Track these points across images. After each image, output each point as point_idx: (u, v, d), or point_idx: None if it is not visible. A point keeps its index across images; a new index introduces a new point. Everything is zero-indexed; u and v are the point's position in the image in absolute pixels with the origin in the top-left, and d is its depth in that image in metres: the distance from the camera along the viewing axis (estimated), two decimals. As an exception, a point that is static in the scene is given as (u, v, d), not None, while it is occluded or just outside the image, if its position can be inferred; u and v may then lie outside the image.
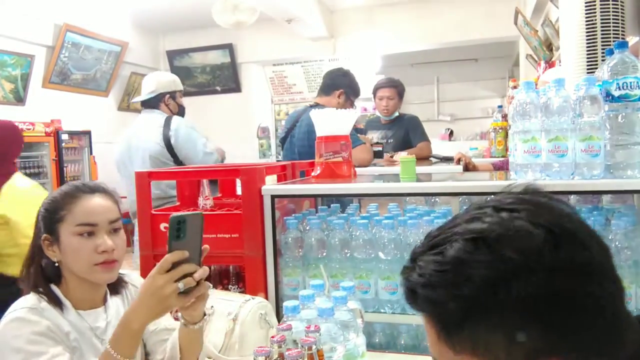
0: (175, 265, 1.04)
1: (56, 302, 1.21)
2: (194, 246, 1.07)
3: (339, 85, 3.09)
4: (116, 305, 1.33)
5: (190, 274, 1.05)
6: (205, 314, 1.17)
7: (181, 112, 3.10)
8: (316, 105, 2.99)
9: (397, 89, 3.87)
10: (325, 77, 3.19)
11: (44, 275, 1.24)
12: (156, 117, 2.96)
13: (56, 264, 1.24)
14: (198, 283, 1.07)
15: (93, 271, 1.21)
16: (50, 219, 1.23)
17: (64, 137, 5.54)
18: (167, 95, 3.03)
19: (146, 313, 1.06)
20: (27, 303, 1.19)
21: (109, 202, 1.27)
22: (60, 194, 1.25)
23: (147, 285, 1.05)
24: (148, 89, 3.03)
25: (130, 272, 1.45)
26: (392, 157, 3.56)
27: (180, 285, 1.04)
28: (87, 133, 5.91)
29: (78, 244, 1.20)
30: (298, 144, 3.02)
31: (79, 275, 1.23)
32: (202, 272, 1.08)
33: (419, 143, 3.75)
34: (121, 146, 3.08)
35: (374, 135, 3.94)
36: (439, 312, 0.64)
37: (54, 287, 1.24)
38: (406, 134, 3.81)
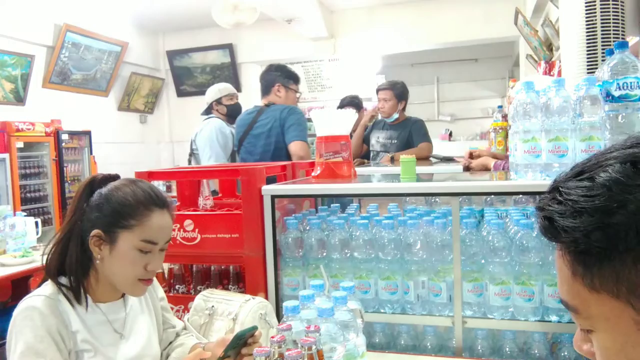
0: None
1: (76, 295, 1.18)
2: (238, 350, 1.20)
3: (273, 81, 3.16)
4: (133, 299, 1.32)
5: None
6: None
7: (230, 112, 3.73)
8: (270, 105, 3.09)
9: (393, 90, 3.89)
10: (260, 80, 3.27)
11: (71, 266, 1.20)
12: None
13: (86, 254, 1.19)
14: None
15: (134, 285, 1.20)
16: (115, 222, 1.17)
17: (64, 137, 5.54)
18: (214, 102, 3.77)
19: None
20: (46, 291, 1.17)
21: (171, 220, 1.25)
22: (135, 200, 1.18)
23: None
24: (205, 101, 3.82)
25: None
26: (392, 158, 3.57)
27: None
28: (87, 133, 5.91)
29: (134, 257, 1.18)
30: (262, 143, 3.00)
31: (113, 282, 1.21)
32: None
33: (420, 143, 3.77)
34: None
35: (380, 136, 3.96)
36: (579, 242, 0.56)
37: (78, 280, 1.20)
38: (410, 136, 3.83)
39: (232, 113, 3.71)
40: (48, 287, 1.19)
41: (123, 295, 1.29)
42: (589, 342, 0.62)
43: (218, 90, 3.81)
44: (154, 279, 1.42)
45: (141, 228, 1.17)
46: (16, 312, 1.14)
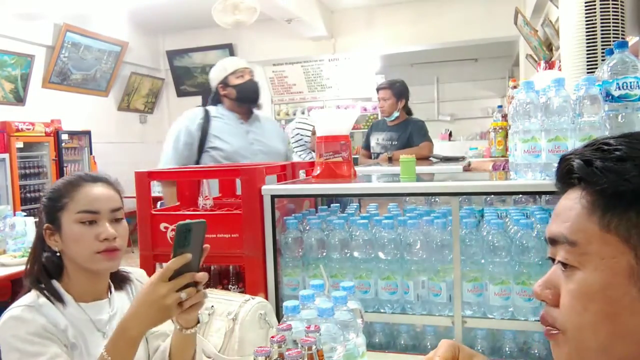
0: (176, 273, 1.04)
1: (56, 297, 1.20)
2: (196, 253, 1.07)
3: None
4: (121, 300, 1.32)
5: (192, 284, 1.06)
6: (199, 321, 1.16)
7: (241, 94, 2.70)
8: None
9: (391, 89, 3.87)
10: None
11: (45, 270, 1.23)
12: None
13: (57, 254, 1.23)
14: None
15: (95, 259, 1.20)
16: (52, 208, 1.22)
17: (64, 137, 5.55)
18: (220, 86, 2.73)
19: (145, 321, 1.05)
20: (24, 301, 1.18)
21: (111, 191, 1.26)
22: (63, 183, 1.24)
23: (148, 293, 1.04)
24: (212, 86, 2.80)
25: (135, 269, 1.44)
26: (390, 158, 3.56)
27: (183, 295, 1.04)
28: (87, 133, 5.92)
29: (79, 231, 1.20)
30: None
31: (80, 265, 1.22)
32: (201, 277, 1.08)
33: (420, 143, 3.76)
34: None
35: (380, 137, 3.95)
36: (615, 184, 0.59)
37: (54, 282, 1.23)
38: (410, 137, 3.82)
39: (243, 96, 2.69)
40: (27, 296, 1.20)
41: (109, 295, 1.29)
42: (552, 288, 0.66)
43: (223, 68, 2.76)
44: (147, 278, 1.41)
45: (73, 202, 1.20)
46: (1, 328, 1.14)
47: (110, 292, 1.30)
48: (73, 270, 1.24)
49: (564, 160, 0.67)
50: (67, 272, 1.24)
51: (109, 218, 1.23)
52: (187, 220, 1.06)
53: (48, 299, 1.19)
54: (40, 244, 1.26)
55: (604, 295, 0.59)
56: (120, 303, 1.31)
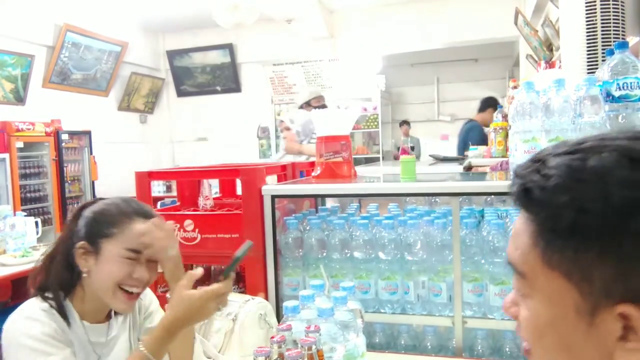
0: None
1: (62, 313, 1.17)
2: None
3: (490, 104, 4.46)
4: (120, 325, 1.29)
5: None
6: None
7: None
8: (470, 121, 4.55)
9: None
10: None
11: (59, 280, 1.19)
12: None
13: (75, 271, 1.18)
14: None
15: (115, 296, 1.17)
16: (97, 231, 1.17)
17: (64, 137, 5.54)
18: (305, 103, 4.22)
19: (188, 324, 1.15)
20: (40, 305, 1.16)
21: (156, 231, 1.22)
22: (117, 210, 1.19)
23: (200, 305, 1.12)
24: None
25: None
26: None
27: (221, 306, 1.15)
28: (87, 133, 5.90)
29: (119, 265, 1.15)
30: None
31: (99, 295, 1.19)
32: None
33: None
34: None
35: None
36: (552, 219, 0.56)
37: (62, 295, 1.19)
38: None
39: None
40: (38, 301, 1.17)
41: (109, 319, 1.26)
42: (519, 305, 0.63)
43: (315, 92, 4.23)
44: (150, 293, 1.39)
45: (124, 236, 1.16)
46: (10, 328, 1.12)
47: (110, 317, 1.27)
48: (88, 295, 1.20)
49: (513, 179, 0.63)
50: (79, 291, 1.20)
51: (148, 259, 1.19)
52: (244, 247, 1.20)
53: (56, 310, 1.17)
54: (61, 255, 1.19)
55: (554, 329, 0.58)
56: (119, 329, 1.28)
